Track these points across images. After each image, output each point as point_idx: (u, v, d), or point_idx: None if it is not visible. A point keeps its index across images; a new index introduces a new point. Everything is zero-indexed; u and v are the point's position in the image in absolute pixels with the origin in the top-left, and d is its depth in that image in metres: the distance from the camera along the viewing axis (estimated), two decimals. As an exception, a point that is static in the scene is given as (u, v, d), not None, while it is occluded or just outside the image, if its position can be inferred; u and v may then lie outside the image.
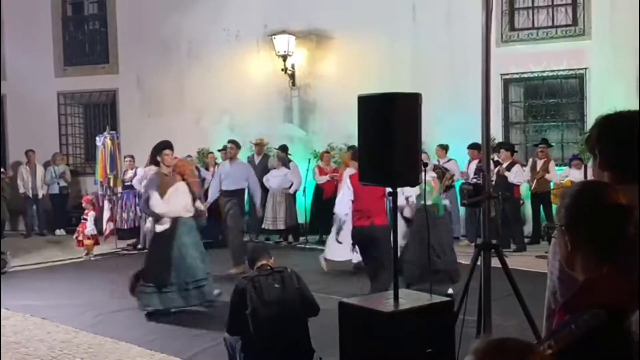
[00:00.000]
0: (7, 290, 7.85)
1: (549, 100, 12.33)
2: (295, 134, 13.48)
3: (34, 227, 14.11)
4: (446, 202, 7.87)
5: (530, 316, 3.95)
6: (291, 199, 12.16)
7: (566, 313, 1.82)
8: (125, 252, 11.52)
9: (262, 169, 12.35)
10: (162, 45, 13.99)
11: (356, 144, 4.58)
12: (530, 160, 11.54)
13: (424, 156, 7.67)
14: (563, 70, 11.90)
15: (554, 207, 10.45)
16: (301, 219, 12.39)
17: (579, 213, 1.90)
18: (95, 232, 11.07)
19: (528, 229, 11.59)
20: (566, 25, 11.99)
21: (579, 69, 11.81)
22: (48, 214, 14.12)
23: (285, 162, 12.15)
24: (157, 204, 7.24)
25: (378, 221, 6.81)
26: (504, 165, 10.68)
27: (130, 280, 7.27)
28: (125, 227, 12.16)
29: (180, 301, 7.15)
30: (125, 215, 12.15)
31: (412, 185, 4.44)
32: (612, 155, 2.30)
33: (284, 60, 13.17)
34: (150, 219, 8.22)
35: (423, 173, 4.26)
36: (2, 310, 7.17)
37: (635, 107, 2.41)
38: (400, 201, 7.16)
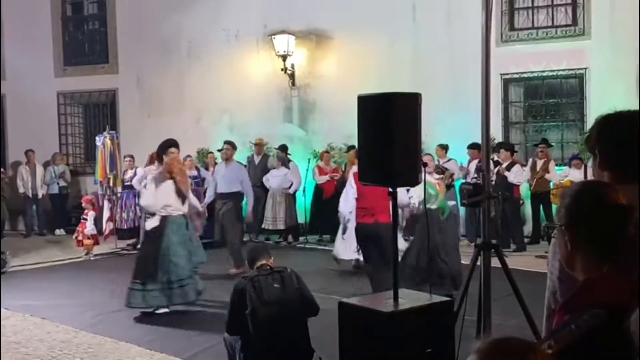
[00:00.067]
0: (7, 290, 7.84)
1: (548, 100, 12.33)
2: (295, 134, 13.48)
3: (33, 227, 14.11)
4: (452, 203, 7.73)
5: (530, 316, 3.95)
6: (291, 199, 12.16)
7: (566, 313, 1.82)
8: (125, 252, 11.51)
9: (262, 169, 12.36)
10: (162, 45, 13.99)
11: (356, 144, 4.58)
12: (530, 160, 11.55)
13: (427, 157, 7.71)
14: (563, 70, 11.90)
15: (554, 207, 10.46)
16: (301, 219, 12.39)
17: (579, 213, 1.90)
18: (95, 232, 11.07)
19: (528, 229, 11.59)
20: (566, 25, 12.00)
21: (578, 69, 11.81)
22: (48, 213, 14.12)
23: (285, 162, 12.15)
24: (144, 195, 7.32)
25: (382, 219, 6.77)
26: (504, 165, 10.68)
27: None
28: (125, 227, 12.17)
29: (163, 300, 7.09)
30: (125, 215, 12.15)
31: (412, 185, 4.43)
32: (612, 155, 2.30)
33: (284, 60, 13.18)
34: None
35: (423, 173, 4.26)
36: (2, 310, 7.16)
37: (635, 107, 2.41)
38: (404, 199, 7.15)
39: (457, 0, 11.86)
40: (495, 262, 4.13)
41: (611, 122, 2.34)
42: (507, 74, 12.04)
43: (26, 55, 14.44)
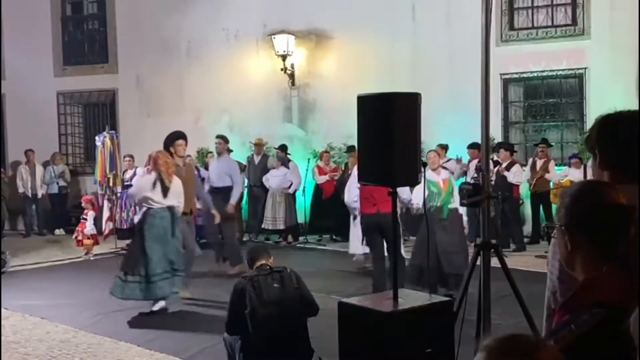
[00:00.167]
0: (7, 290, 7.84)
1: (548, 100, 12.33)
2: (294, 134, 13.48)
3: (33, 227, 14.10)
4: (453, 200, 7.61)
5: (530, 316, 3.94)
6: (291, 198, 12.16)
7: (566, 313, 1.82)
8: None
9: (261, 169, 12.36)
10: (162, 45, 13.98)
11: (356, 144, 4.58)
12: (530, 160, 11.55)
13: (432, 153, 7.74)
14: (562, 70, 11.91)
15: (554, 206, 10.46)
16: (301, 218, 12.39)
17: (579, 213, 1.89)
18: (94, 231, 11.07)
19: (527, 228, 11.59)
20: (566, 25, 12.00)
21: (578, 69, 11.82)
22: (47, 213, 14.11)
23: (285, 162, 12.15)
24: (134, 183, 7.40)
25: (384, 209, 6.79)
26: (504, 165, 10.68)
27: None
28: (125, 227, 12.15)
29: (139, 294, 7.06)
30: (124, 214, 12.15)
31: (412, 185, 4.43)
32: (611, 154, 2.30)
33: (284, 60, 13.18)
34: None
35: (423, 173, 4.26)
36: (2, 310, 7.16)
37: (634, 107, 2.41)
38: (407, 198, 7.17)
39: (457, 0, 11.86)
40: (495, 262, 4.12)
41: (611, 122, 2.34)
42: (506, 74, 12.04)
43: (26, 55, 14.43)
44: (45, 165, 14.24)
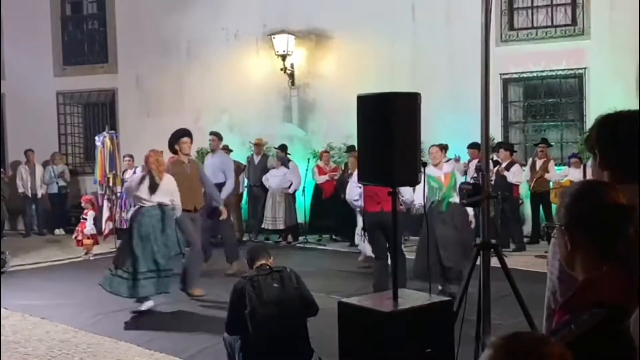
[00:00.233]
0: (6, 289, 7.83)
1: (548, 99, 12.33)
2: (294, 134, 13.48)
3: (33, 227, 14.10)
4: (455, 194, 7.61)
5: (530, 316, 3.95)
6: (290, 198, 12.16)
7: (566, 313, 1.82)
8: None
9: (261, 169, 12.36)
10: (162, 45, 13.98)
11: (355, 144, 4.58)
12: (530, 160, 11.55)
13: (434, 148, 7.75)
14: (562, 70, 11.91)
15: (554, 206, 10.46)
16: (300, 218, 12.39)
17: (579, 213, 1.90)
18: (94, 231, 11.07)
19: (527, 228, 11.60)
20: (565, 25, 12.00)
21: (578, 69, 11.82)
22: (47, 213, 14.11)
23: (285, 162, 12.14)
24: (127, 181, 7.49)
25: (388, 207, 6.80)
26: (503, 165, 10.68)
27: None
28: (125, 227, 12.13)
29: (124, 291, 7.06)
30: (124, 214, 12.13)
31: (412, 185, 4.43)
32: (611, 154, 2.30)
33: (283, 59, 13.18)
34: None
35: (423, 173, 4.26)
36: (2, 309, 7.16)
37: (634, 107, 2.41)
38: (409, 198, 7.18)
39: (457, 0, 11.86)
40: (494, 262, 4.13)
41: (611, 122, 2.34)
42: (506, 74, 12.04)
43: (26, 55, 14.43)
44: (45, 165, 14.24)
